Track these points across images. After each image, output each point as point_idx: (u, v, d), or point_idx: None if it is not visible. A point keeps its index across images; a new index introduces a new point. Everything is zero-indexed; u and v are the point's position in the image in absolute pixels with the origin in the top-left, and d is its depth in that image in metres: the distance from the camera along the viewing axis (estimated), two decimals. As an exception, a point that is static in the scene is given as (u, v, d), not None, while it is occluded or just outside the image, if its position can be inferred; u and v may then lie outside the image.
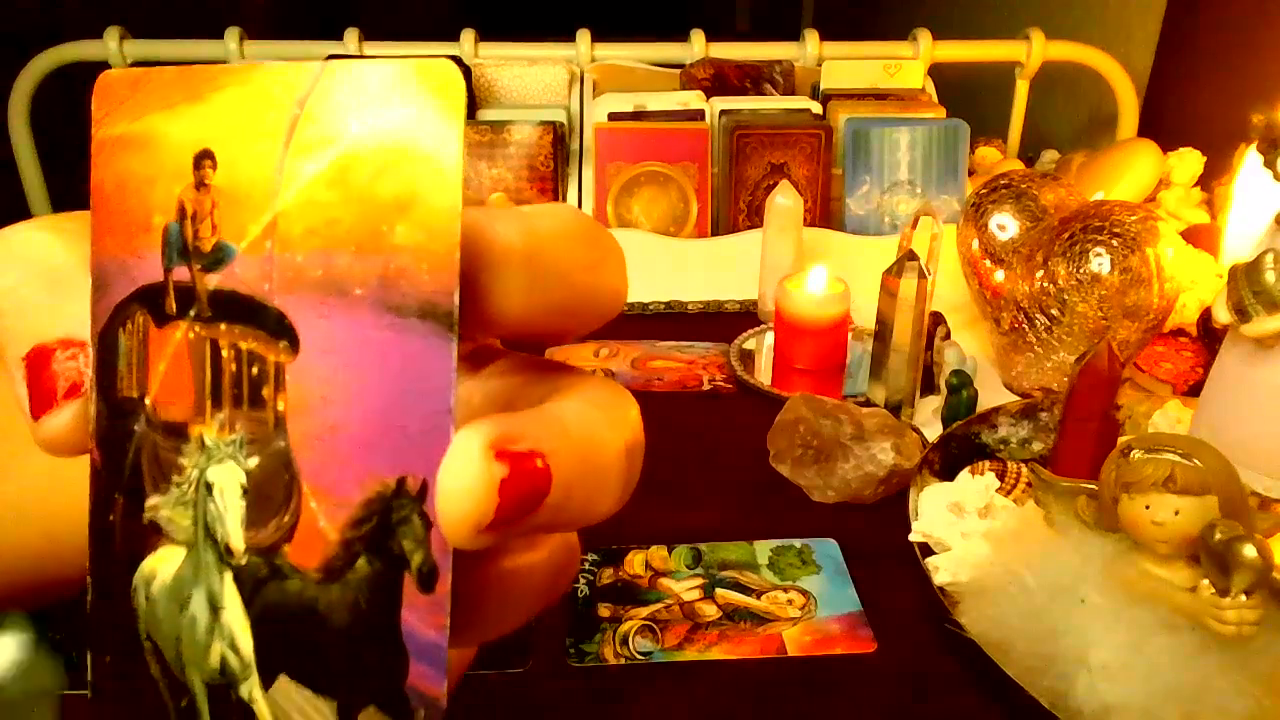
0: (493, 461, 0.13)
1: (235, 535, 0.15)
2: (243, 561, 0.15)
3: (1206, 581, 0.42)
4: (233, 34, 1.17)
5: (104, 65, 1.15)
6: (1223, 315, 0.58)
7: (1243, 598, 0.41)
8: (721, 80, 1.18)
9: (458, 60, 1.09)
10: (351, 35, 1.18)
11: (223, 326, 0.15)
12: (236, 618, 0.16)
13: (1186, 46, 1.25)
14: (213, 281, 0.15)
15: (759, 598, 0.56)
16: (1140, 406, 0.69)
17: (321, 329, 0.14)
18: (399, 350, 0.14)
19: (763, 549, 0.60)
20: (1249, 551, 0.40)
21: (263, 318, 0.15)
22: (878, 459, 0.63)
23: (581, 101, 1.15)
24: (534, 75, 1.16)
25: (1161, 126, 1.21)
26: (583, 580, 0.57)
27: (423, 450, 0.14)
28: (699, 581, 0.57)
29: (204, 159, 0.15)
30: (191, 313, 0.16)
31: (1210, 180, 1.06)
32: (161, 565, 0.16)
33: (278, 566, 0.15)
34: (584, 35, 1.19)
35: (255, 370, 0.15)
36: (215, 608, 0.16)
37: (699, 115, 1.08)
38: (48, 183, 1.25)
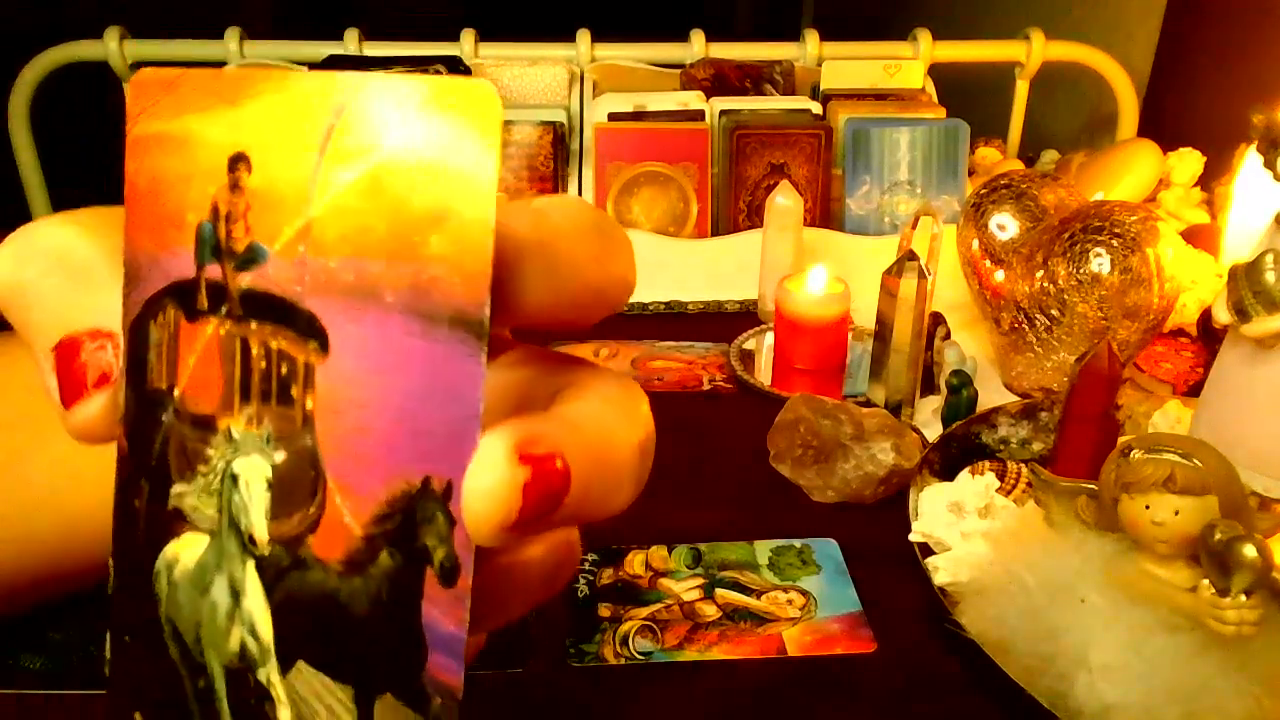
0: (517, 465, 0.14)
1: (259, 526, 0.16)
2: (266, 551, 0.16)
3: (1206, 581, 0.42)
4: (233, 34, 1.17)
5: (104, 65, 1.15)
6: (1223, 315, 0.58)
7: (1243, 598, 0.41)
8: (721, 80, 1.18)
9: (457, 60, 1.10)
10: (351, 35, 1.18)
11: (254, 325, 0.16)
12: (257, 604, 0.16)
13: (1186, 46, 1.25)
14: (245, 281, 0.16)
15: (759, 598, 0.56)
16: (1140, 406, 0.69)
17: (352, 333, 0.15)
18: (428, 357, 0.14)
19: (763, 549, 0.60)
20: (1249, 551, 0.40)
21: (294, 318, 0.15)
22: (878, 459, 0.63)
23: (581, 101, 1.15)
24: (534, 75, 1.16)
25: (1161, 126, 1.21)
26: (583, 580, 0.57)
27: (449, 453, 0.14)
28: (699, 581, 0.57)
29: (239, 161, 0.15)
30: (223, 310, 0.16)
31: (1210, 180, 1.05)
32: (184, 551, 0.17)
33: (300, 557, 0.16)
34: (584, 35, 1.19)
35: (285, 369, 0.16)
36: (237, 594, 0.16)
37: (699, 115, 1.08)
38: (48, 183, 1.25)
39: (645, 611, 0.54)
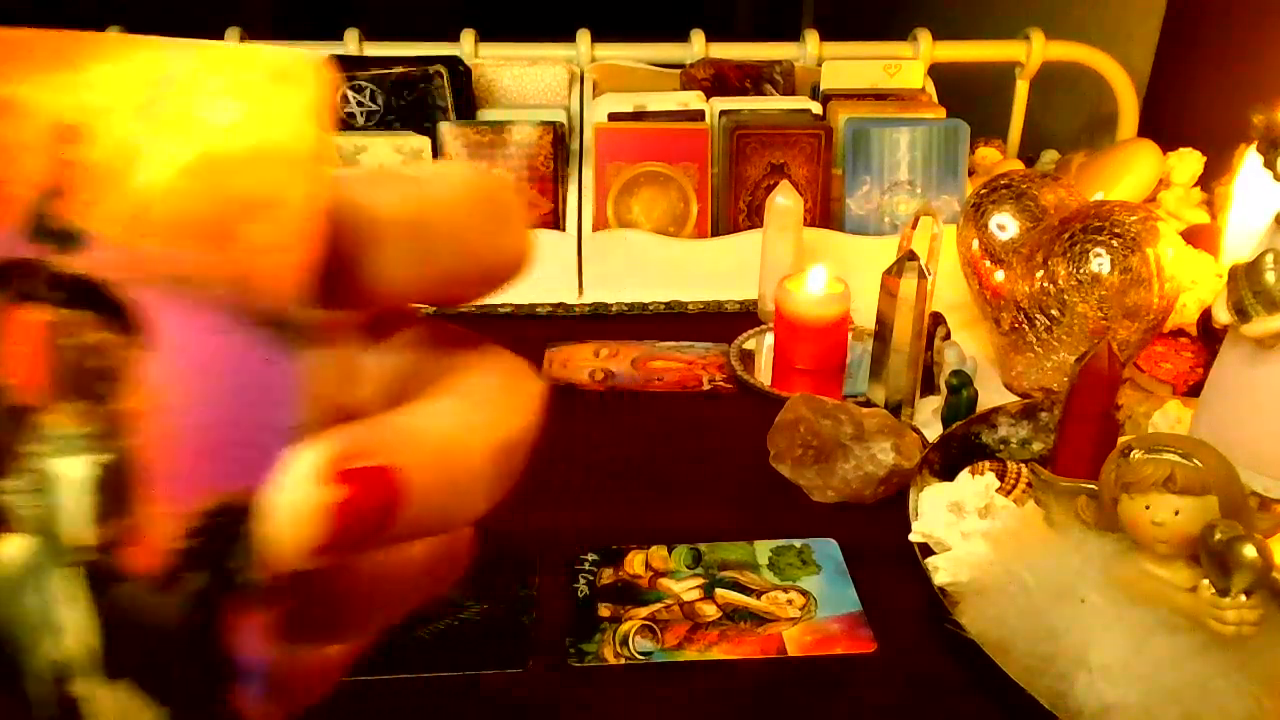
0: (324, 484, 0.13)
1: (76, 532, 0.15)
2: (82, 559, 0.15)
3: (1206, 581, 0.42)
4: (233, 34, 1.17)
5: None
6: (1223, 315, 0.58)
7: (1243, 598, 0.41)
8: (721, 80, 1.18)
9: (457, 60, 1.10)
10: (351, 35, 1.18)
11: (74, 314, 0.15)
12: (73, 614, 0.15)
13: (1186, 46, 1.25)
14: (68, 264, 0.14)
15: (759, 598, 0.56)
16: (1140, 406, 0.69)
17: (171, 327, 0.14)
18: (244, 359, 0.13)
19: (763, 549, 0.60)
20: (1249, 551, 0.40)
21: (115, 309, 0.14)
22: (878, 459, 0.63)
23: (581, 101, 1.15)
24: (534, 75, 1.16)
25: (1161, 126, 1.21)
26: (583, 580, 0.57)
27: (261, 466, 0.13)
28: (699, 581, 0.57)
29: (69, 133, 0.14)
30: (45, 296, 0.15)
31: (1210, 180, 1.05)
32: (3, 552, 0.16)
33: (116, 569, 0.15)
34: (584, 35, 1.19)
35: (104, 363, 0.15)
36: (53, 602, 0.15)
37: (699, 115, 1.08)
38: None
39: (645, 611, 0.54)
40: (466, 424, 0.15)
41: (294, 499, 0.13)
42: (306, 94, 0.13)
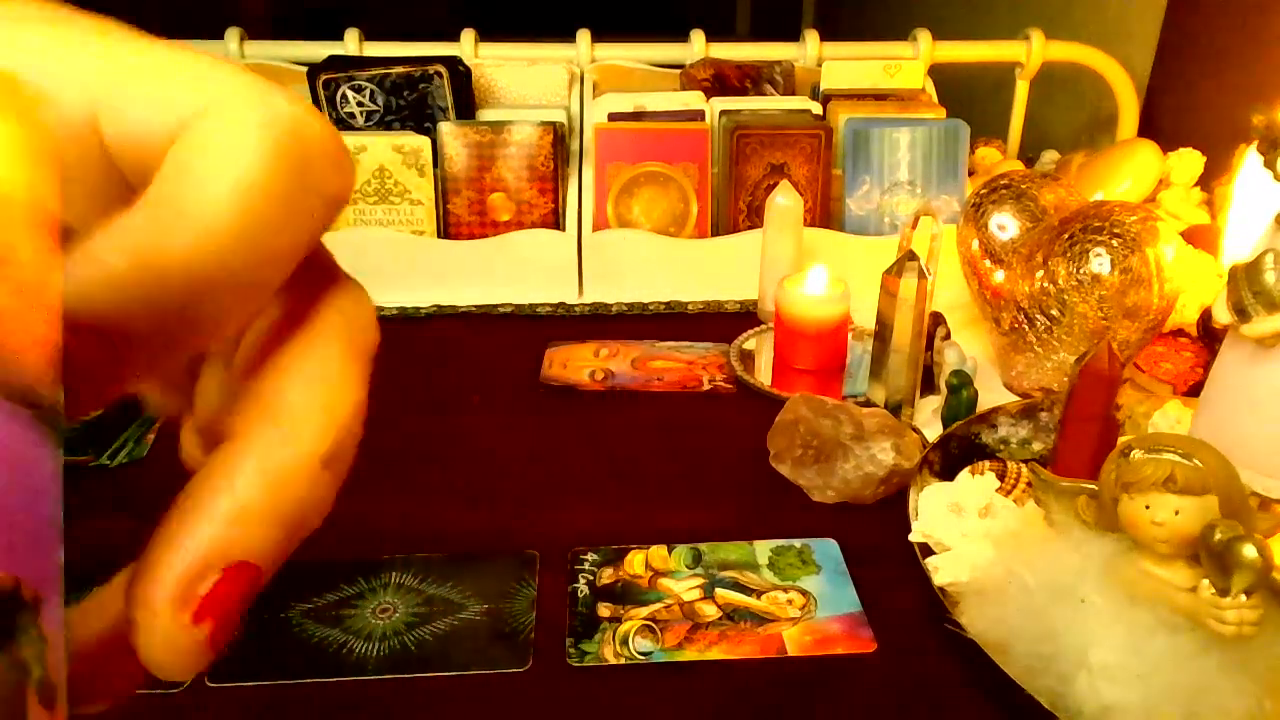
0: (190, 628, 0.12)
1: None
2: None
3: (1206, 581, 0.42)
4: (233, 34, 1.17)
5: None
6: (1223, 315, 0.58)
7: (1243, 598, 0.41)
8: (721, 81, 1.18)
9: (457, 60, 1.10)
10: (352, 35, 1.18)
11: None
12: None
13: (1186, 46, 1.25)
14: None
15: (759, 598, 0.56)
16: (1140, 406, 0.69)
17: None
18: (4, 437, 0.12)
19: (763, 549, 0.60)
20: (1249, 551, 0.40)
21: None
22: (878, 459, 0.63)
23: (581, 101, 1.15)
24: (534, 75, 1.16)
25: (1161, 126, 1.21)
26: (583, 580, 0.57)
27: (33, 559, 0.12)
28: (699, 581, 0.57)
29: None
30: None
31: (1210, 180, 1.05)
32: None
33: None
34: (584, 35, 1.19)
35: None
36: None
37: (699, 115, 1.08)
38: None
39: (645, 611, 0.54)
40: (290, 459, 0.13)
41: (167, 643, 0.12)
42: (13, 128, 0.11)
